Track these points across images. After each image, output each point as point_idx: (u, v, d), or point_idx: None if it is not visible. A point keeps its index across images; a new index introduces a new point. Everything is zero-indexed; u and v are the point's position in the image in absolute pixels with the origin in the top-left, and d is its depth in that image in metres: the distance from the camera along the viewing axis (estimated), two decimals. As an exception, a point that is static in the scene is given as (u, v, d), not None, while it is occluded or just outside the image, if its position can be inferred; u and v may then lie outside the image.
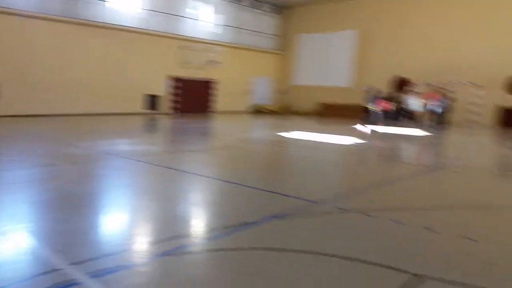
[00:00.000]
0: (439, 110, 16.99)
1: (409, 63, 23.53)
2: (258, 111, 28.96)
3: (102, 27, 20.43)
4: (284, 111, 28.83)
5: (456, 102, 17.37)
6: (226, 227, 4.22)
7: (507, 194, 6.55)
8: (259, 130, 17.38)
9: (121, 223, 4.43)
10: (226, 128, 17.12)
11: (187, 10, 24.24)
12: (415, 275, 3.15)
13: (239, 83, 27.76)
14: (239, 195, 5.78)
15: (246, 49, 27.66)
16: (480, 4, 21.51)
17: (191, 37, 24.31)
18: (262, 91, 30.02)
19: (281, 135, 13.79)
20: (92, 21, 20.09)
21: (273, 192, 5.90)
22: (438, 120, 17.14)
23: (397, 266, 3.31)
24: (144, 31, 22.12)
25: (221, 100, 26.31)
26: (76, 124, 15.56)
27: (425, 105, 17.46)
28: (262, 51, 28.98)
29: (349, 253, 3.56)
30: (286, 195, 5.72)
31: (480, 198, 6.07)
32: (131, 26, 21.59)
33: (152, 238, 3.92)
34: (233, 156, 9.58)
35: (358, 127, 17.31)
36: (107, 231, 4.20)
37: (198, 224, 4.42)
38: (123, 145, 10.53)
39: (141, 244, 3.76)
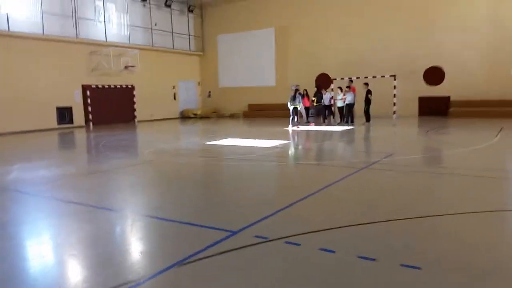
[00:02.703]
0: (352, 103, 17.13)
1: (329, 59, 23.63)
2: (185, 116, 27.65)
3: (-5, 34, 17.95)
4: (212, 115, 27.81)
5: (370, 94, 17.53)
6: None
7: (444, 198, 6.09)
8: (185, 138, 16.15)
9: None
10: (148, 139, 15.71)
11: (92, 12, 22.19)
12: None
13: (162, 88, 26.25)
14: (137, 232, 4.69)
15: (163, 51, 26.19)
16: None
17: (101, 41, 22.37)
18: (188, 96, 28.74)
19: (207, 143, 12.76)
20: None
21: (187, 224, 4.86)
22: (350, 114, 17.28)
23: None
24: (47, 37, 19.85)
25: (143, 107, 24.63)
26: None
27: (343, 100, 17.47)
28: (182, 53, 27.66)
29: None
30: (201, 226, 4.71)
31: (414, 206, 5.52)
32: (30, 32, 19.22)
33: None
34: (147, 175, 8.37)
35: (285, 128, 16.81)
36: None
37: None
38: (16, 172, 8.86)
39: None
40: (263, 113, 25.62)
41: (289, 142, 12.60)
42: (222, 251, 3.83)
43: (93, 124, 21.71)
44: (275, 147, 11.32)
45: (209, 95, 29.30)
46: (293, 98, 15.92)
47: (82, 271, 3.62)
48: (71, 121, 21.30)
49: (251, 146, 11.47)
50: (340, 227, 4.48)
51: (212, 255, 3.73)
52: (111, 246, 4.19)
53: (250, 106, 27.27)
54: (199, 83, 29.49)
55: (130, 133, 17.96)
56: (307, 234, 4.25)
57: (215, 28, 28.29)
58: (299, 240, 4.07)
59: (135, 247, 4.17)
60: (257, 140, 12.99)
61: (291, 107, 15.99)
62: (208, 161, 9.64)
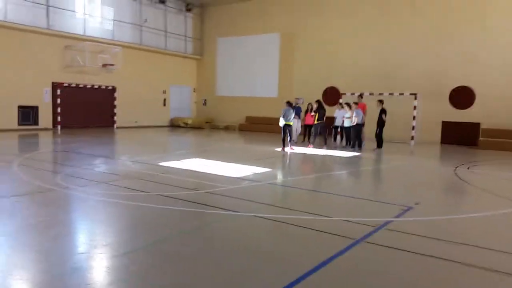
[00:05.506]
0: (360, 123, 13.92)
1: (339, 71, 20.47)
2: (175, 125, 24.70)
3: None
4: (205, 125, 24.81)
5: (385, 115, 14.36)
6: None
7: None
8: (143, 153, 12.67)
9: None
10: (99, 152, 12.69)
11: (69, 1, 19.50)
12: None
13: (150, 92, 23.39)
14: None
15: (153, 51, 23.33)
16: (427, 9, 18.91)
17: (78, 34, 19.59)
18: (181, 102, 25.84)
19: (160, 164, 9.66)
20: None
21: None
22: (358, 137, 14.02)
23: None
24: (11, 25, 17.17)
25: (125, 112, 21.75)
26: None
27: (351, 119, 14.17)
28: (176, 55, 24.79)
29: None
30: None
31: None
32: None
33: None
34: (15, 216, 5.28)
35: (277, 148, 13.64)
36: None
37: None
38: None
39: None
40: (261, 127, 22.51)
41: (269, 172, 9.38)
42: None
43: (61, 128, 18.81)
44: (245, 178, 8.15)
45: (205, 103, 26.34)
46: (286, 113, 12.74)
47: None
48: (35, 123, 18.49)
49: (214, 175, 8.33)
50: None
51: None
52: None
53: (247, 118, 24.19)
54: (194, 89, 26.57)
55: (92, 141, 14.93)
56: None
57: (216, 30, 25.46)
58: None
59: None
60: (231, 164, 9.84)
61: (282, 124, 12.80)
62: (119, 200, 6.21)
